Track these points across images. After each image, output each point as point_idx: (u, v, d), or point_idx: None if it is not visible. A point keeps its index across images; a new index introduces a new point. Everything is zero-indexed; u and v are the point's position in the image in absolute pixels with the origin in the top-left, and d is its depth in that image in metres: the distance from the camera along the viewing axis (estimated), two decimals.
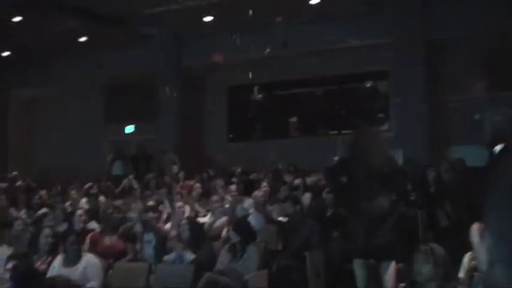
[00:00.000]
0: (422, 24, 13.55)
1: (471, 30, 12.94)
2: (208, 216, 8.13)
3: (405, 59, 13.57)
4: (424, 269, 3.56)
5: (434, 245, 3.62)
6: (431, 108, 13.41)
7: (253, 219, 7.14)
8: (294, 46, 14.40)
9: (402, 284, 6.35)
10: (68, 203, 10.79)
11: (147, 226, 6.93)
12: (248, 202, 8.14)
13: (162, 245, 6.76)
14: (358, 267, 6.39)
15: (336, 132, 15.06)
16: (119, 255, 6.90)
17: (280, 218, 7.49)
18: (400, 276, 6.39)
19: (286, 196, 7.82)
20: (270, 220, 7.63)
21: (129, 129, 17.31)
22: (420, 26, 13.55)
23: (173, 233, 7.20)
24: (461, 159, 11.84)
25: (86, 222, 8.11)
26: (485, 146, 12.46)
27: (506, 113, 13.13)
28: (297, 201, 7.54)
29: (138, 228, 7.17)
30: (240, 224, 6.71)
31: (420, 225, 9.04)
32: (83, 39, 15.40)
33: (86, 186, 12.58)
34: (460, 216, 10.11)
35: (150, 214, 7.15)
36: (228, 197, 8.83)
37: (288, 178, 12.06)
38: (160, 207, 8.57)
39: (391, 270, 6.11)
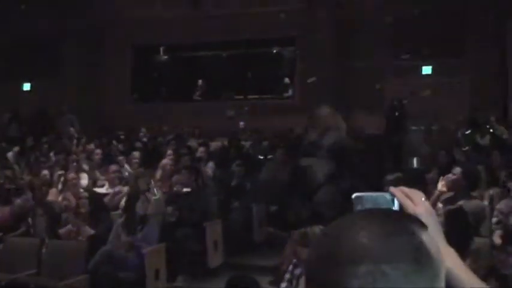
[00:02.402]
0: None
1: None
2: (106, 186, 7.93)
3: (312, 25, 13.73)
4: (302, 252, 3.69)
5: (316, 228, 3.74)
6: (334, 74, 13.72)
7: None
8: (205, 7, 14.13)
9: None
10: None
11: (39, 203, 6.66)
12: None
13: (56, 219, 6.53)
14: None
15: (241, 97, 15.09)
16: (10, 229, 6.59)
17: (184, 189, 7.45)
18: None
19: (186, 166, 7.77)
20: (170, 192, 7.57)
21: (26, 87, 16.38)
22: None
23: (66, 204, 6.97)
24: (360, 127, 12.33)
25: None
26: (383, 115, 13.04)
27: (407, 82, 13.68)
28: (198, 172, 7.53)
29: (30, 202, 6.86)
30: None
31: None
32: None
33: None
34: (355, 184, 10.59)
35: (43, 188, 6.86)
36: (127, 167, 8.64)
37: (192, 142, 12.01)
38: (55, 176, 8.23)
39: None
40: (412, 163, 11.89)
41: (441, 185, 5.29)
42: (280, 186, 7.77)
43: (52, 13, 14.86)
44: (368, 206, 1.25)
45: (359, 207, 1.25)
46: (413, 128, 12.91)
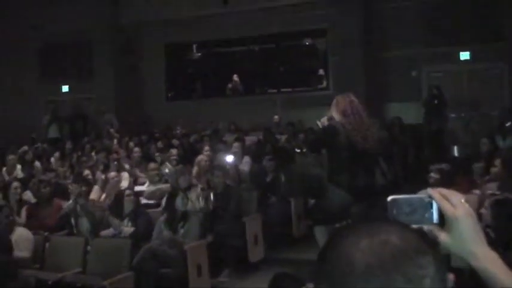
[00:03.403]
0: None
1: None
2: (147, 184, 8.02)
3: (342, 16, 13.58)
4: None
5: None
6: (368, 65, 13.55)
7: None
8: (234, 3, 14.12)
9: None
10: (4, 170, 10.41)
11: (83, 209, 6.78)
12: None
13: (99, 220, 6.65)
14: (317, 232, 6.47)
15: (275, 91, 15.06)
16: (55, 229, 6.75)
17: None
18: None
19: (219, 166, 7.79)
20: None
21: (65, 88, 16.69)
22: None
23: (107, 202, 7.09)
24: (398, 117, 12.14)
25: (20, 193, 7.83)
26: (422, 103, 12.82)
27: (443, 69, 13.41)
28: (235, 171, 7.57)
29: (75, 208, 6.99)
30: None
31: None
32: None
33: (21, 150, 12.14)
34: (397, 175, 10.45)
35: (83, 188, 6.99)
36: (167, 164, 8.73)
37: (228, 138, 12.05)
38: (97, 176, 8.38)
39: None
40: (453, 152, 11.67)
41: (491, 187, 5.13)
42: (317, 180, 7.70)
43: (85, 16, 15.08)
44: (405, 209, 1.21)
45: (394, 212, 1.22)
46: (453, 115, 12.67)
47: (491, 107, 12.15)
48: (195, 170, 8.04)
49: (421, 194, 1.21)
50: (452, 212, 1.17)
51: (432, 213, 1.19)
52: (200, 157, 8.32)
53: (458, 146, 11.45)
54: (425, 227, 1.25)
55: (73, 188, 7.06)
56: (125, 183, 8.10)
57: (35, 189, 7.75)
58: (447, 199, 1.18)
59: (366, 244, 0.94)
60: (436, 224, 1.19)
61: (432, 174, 6.01)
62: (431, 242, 1.02)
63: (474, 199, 5.68)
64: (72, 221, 6.88)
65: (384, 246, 0.93)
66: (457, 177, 6.34)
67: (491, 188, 5.81)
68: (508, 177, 5.74)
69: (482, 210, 4.36)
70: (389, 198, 1.21)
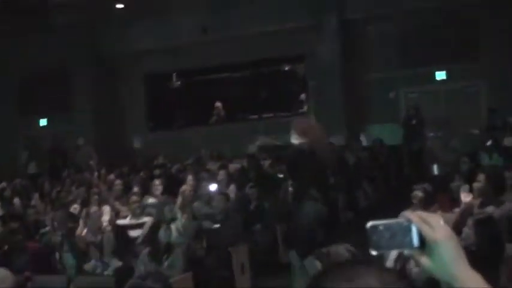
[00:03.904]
0: (337, 5, 13.75)
1: (384, 8, 13.26)
2: (129, 217, 7.91)
3: (320, 41, 13.75)
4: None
5: (340, 248, 3.67)
6: (347, 88, 13.69)
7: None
8: (213, 31, 14.23)
9: None
10: None
11: (66, 239, 6.67)
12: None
13: (83, 253, 6.54)
14: (292, 258, 6.46)
15: (256, 116, 15.10)
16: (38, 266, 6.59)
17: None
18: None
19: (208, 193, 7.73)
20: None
21: (43, 122, 16.55)
22: (335, 7, 13.75)
23: (90, 238, 6.97)
24: (379, 139, 12.25)
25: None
26: (400, 124, 12.94)
27: (420, 89, 13.59)
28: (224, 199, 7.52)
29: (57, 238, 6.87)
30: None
31: (340, 208, 9.31)
32: None
33: None
34: (380, 196, 10.51)
35: (69, 225, 6.87)
36: (149, 197, 8.63)
37: (211, 165, 11.99)
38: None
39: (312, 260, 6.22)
40: (433, 170, 11.76)
41: (464, 196, 5.19)
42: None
43: (63, 48, 15.04)
44: (384, 235, 1.20)
45: (374, 238, 1.20)
46: (432, 134, 12.80)
47: (469, 125, 12.32)
48: (179, 200, 7.93)
49: (400, 219, 1.21)
50: (432, 235, 1.16)
51: (412, 237, 1.18)
52: (184, 187, 8.20)
53: (437, 164, 11.55)
54: (406, 252, 1.24)
55: (60, 224, 6.91)
56: (106, 217, 7.97)
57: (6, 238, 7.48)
58: (426, 222, 1.17)
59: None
60: (416, 247, 1.19)
61: (416, 193, 6.03)
62: (409, 284, 1.02)
63: (454, 217, 5.70)
64: (57, 256, 6.75)
65: None
66: (438, 196, 6.38)
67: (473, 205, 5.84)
68: (492, 193, 5.76)
69: (465, 229, 4.38)
70: (368, 224, 1.21)
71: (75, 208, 8.39)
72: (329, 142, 6.13)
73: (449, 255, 1.15)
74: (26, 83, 16.19)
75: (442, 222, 1.19)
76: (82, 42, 15.29)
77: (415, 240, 1.18)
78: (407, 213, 1.21)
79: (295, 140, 5.83)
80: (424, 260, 1.18)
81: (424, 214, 1.20)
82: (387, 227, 1.19)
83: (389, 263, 3.95)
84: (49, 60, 15.18)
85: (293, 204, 6.25)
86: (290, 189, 6.31)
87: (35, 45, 15.12)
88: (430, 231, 1.16)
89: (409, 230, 1.18)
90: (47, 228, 7.78)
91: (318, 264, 6.27)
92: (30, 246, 7.15)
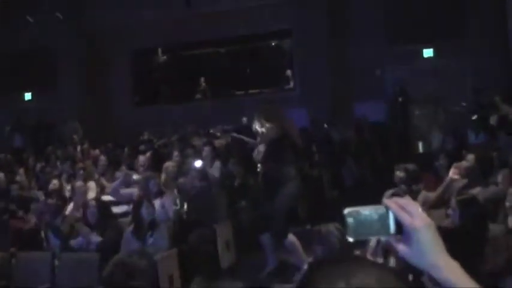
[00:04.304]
0: None
1: None
2: (111, 186, 7.87)
3: (307, 17, 13.64)
4: (318, 250, 3.64)
5: (331, 226, 3.68)
6: (334, 65, 13.64)
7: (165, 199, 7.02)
8: (198, 6, 14.05)
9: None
10: None
11: (52, 213, 6.64)
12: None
13: (69, 230, 6.51)
14: (264, 239, 6.53)
15: (242, 92, 15.04)
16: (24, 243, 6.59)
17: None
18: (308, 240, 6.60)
19: (193, 169, 7.69)
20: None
21: (28, 96, 16.34)
22: None
23: (76, 214, 6.95)
24: (365, 117, 12.26)
25: None
26: (386, 101, 12.97)
27: (407, 66, 13.57)
28: (204, 175, 7.49)
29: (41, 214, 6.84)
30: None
31: (325, 185, 9.36)
32: None
33: None
34: (364, 174, 10.56)
35: (53, 201, 6.83)
36: (134, 174, 8.59)
37: (196, 141, 11.97)
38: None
39: (290, 238, 6.28)
40: (418, 148, 11.85)
41: (453, 173, 5.21)
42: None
43: (49, 22, 14.81)
44: (361, 221, 1.19)
45: (352, 224, 1.20)
46: (418, 112, 12.85)
47: (456, 103, 12.36)
48: (163, 176, 7.92)
49: (377, 205, 1.20)
50: (411, 222, 1.15)
51: (389, 224, 1.18)
52: (167, 163, 8.19)
53: (423, 142, 11.63)
54: (383, 238, 1.24)
55: (48, 204, 6.87)
56: (91, 194, 7.94)
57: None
58: (404, 209, 1.17)
59: (341, 285, 0.92)
60: (393, 234, 1.19)
61: (397, 173, 6.06)
62: (408, 283, 1.02)
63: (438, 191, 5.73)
64: (42, 234, 6.72)
65: None
66: (423, 175, 6.42)
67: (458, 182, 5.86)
68: (480, 174, 5.80)
69: (449, 211, 4.41)
70: (345, 210, 1.20)
71: (54, 184, 8.34)
72: (295, 126, 6.38)
73: (427, 242, 1.15)
74: (12, 58, 15.94)
75: (420, 209, 1.19)
76: (68, 17, 15.06)
77: (392, 227, 1.18)
78: (385, 200, 1.20)
79: (259, 127, 5.93)
80: (402, 248, 1.18)
81: (402, 201, 1.19)
82: (364, 214, 1.19)
83: (369, 251, 3.99)
84: (35, 35, 14.95)
85: (271, 186, 6.26)
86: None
87: (20, 20, 14.86)
88: (408, 219, 1.16)
89: (387, 217, 1.18)
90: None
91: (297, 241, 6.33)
92: (15, 224, 7.15)
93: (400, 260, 1.20)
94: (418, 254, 1.16)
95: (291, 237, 6.27)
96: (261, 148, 6.18)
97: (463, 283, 1.14)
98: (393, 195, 5.16)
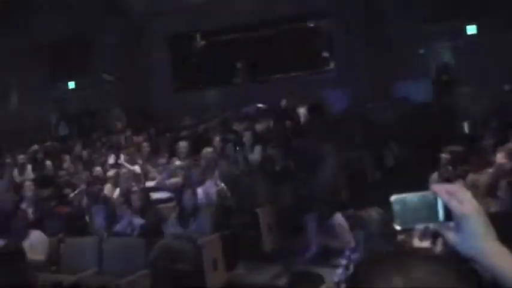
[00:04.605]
0: None
1: None
2: (158, 179, 8.01)
3: None
4: (359, 235, 3.61)
5: (372, 211, 3.63)
6: (373, 45, 13.38)
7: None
8: None
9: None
10: (15, 170, 10.47)
11: (95, 199, 6.81)
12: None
13: (112, 214, 6.67)
14: (308, 220, 6.53)
15: (281, 75, 14.96)
16: (71, 228, 6.78)
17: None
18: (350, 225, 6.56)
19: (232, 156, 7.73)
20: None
21: (71, 85, 16.68)
22: None
23: (120, 199, 7.10)
24: (407, 97, 12.03)
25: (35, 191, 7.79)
26: (430, 81, 12.68)
27: (450, 44, 13.22)
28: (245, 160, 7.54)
29: (85, 200, 7.03)
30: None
31: (367, 167, 9.26)
32: None
33: (31, 149, 12.18)
34: (407, 154, 10.38)
35: (97, 186, 6.99)
36: (176, 160, 8.69)
37: (237, 126, 12.01)
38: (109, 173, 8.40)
39: (338, 220, 6.26)
40: (464, 128, 11.55)
41: (500, 158, 5.07)
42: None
43: (88, 11, 15.03)
44: (409, 208, 1.15)
45: (399, 212, 1.16)
46: (462, 91, 12.52)
47: (501, 81, 11.99)
48: (202, 163, 8.00)
49: (425, 192, 1.17)
50: (460, 209, 1.12)
51: (438, 211, 1.14)
52: (205, 150, 8.24)
53: (468, 122, 11.33)
54: (432, 226, 1.21)
55: (90, 189, 7.05)
56: (135, 179, 8.09)
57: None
58: (453, 195, 1.13)
59: (399, 281, 0.90)
60: (442, 222, 1.15)
61: (443, 155, 5.95)
62: (464, 275, 0.99)
63: (487, 177, 5.60)
64: (87, 218, 6.91)
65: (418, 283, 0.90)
66: (471, 157, 6.27)
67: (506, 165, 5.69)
68: None
69: (500, 193, 4.28)
70: (392, 198, 1.17)
71: (97, 171, 8.51)
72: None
73: (477, 229, 1.12)
74: (54, 47, 16.28)
75: (469, 195, 1.15)
76: (107, 5, 15.25)
77: (441, 214, 1.15)
78: (433, 186, 1.17)
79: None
80: (451, 235, 1.15)
81: (451, 187, 1.15)
82: (412, 201, 1.15)
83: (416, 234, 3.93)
84: (75, 24, 15.20)
85: (313, 162, 6.24)
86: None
87: (61, 9, 15.13)
88: (458, 205, 1.12)
89: (435, 204, 1.14)
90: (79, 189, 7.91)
91: (345, 224, 6.29)
92: (62, 210, 7.36)
93: (448, 244, 1.17)
94: (468, 242, 1.12)
95: (338, 218, 6.24)
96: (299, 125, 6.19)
97: (510, 267, 1.10)
98: (442, 179, 5.08)
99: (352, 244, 3.88)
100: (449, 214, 1.14)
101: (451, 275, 0.93)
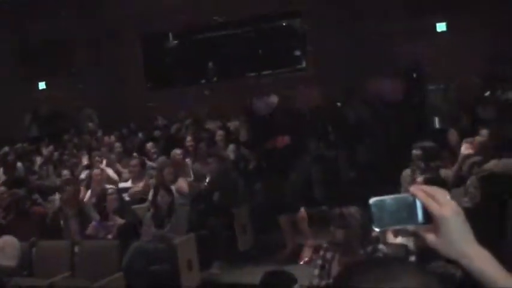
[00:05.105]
0: None
1: None
2: (130, 180, 7.94)
3: None
4: (338, 234, 3.61)
5: (352, 209, 3.65)
6: (345, 42, 13.48)
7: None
8: None
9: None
10: None
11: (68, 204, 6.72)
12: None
13: (85, 217, 6.59)
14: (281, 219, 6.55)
15: (254, 73, 14.96)
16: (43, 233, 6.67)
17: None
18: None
19: (209, 153, 7.70)
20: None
21: (42, 85, 16.44)
22: None
23: (92, 201, 7.03)
24: (379, 94, 12.13)
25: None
26: (401, 77, 12.80)
27: (420, 42, 13.37)
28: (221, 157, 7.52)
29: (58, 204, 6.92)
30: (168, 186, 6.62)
31: (341, 166, 9.33)
32: None
33: (1, 152, 11.97)
34: (380, 152, 10.49)
35: (68, 188, 6.89)
36: (147, 161, 8.63)
37: (210, 125, 11.99)
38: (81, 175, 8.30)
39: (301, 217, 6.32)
40: (434, 124, 11.73)
41: (464, 148, 5.16)
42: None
43: (60, 11, 14.84)
44: (388, 210, 1.16)
45: (377, 214, 1.16)
46: (432, 87, 12.69)
47: (470, 77, 12.19)
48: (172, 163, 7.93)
49: (404, 194, 1.18)
50: (439, 211, 1.12)
51: (417, 212, 1.15)
52: (173, 152, 8.19)
53: (439, 117, 11.50)
54: (410, 227, 1.21)
55: (65, 193, 6.91)
56: (111, 178, 8.00)
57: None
58: (432, 197, 1.13)
59: None
60: (421, 223, 1.15)
61: (414, 151, 6.03)
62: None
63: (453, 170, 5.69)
64: (62, 223, 6.80)
65: None
66: (442, 152, 6.36)
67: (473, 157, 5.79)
68: (493, 150, 5.72)
69: (470, 189, 4.35)
70: (371, 200, 1.16)
71: (64, 175, 8.38)
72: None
73: (457, 232, 1.12)
74: (25, 47, 16.04)
75: (448, 197, 1.16)
76: (79, 5, 15.08)
77: (420, 216, 1.15)
78: (412, 188, 1.17)
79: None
80: (431, 237, 1.15)
81: (429, 188, 1.16)
82: (391, 203, 1.16)
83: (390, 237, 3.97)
84: (47, 24, 14.99)
85: (287, 162, 6.29)
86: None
87: (33, 9, 14.90)
88: (437, 207, 1.12)
89: (414, 206, 1.15)
90: (55, 197, 7.76)
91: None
92: (36, 212, 7.23)
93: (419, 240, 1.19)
94: (448, 244, 1.13)
95: (302, 212, 6.33)
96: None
97: (495, 272, 1.11)
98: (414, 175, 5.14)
99: (327, 243, 3.89)
100: (428, 216, 1.15)
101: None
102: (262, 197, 7.38)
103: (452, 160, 6.33)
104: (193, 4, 14.26)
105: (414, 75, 12.50)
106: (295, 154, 6.30)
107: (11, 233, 5.78)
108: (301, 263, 6.25)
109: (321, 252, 3.85)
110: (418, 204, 1.15)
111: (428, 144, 6.02)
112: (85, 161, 9.68)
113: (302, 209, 6.47)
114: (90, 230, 6.40)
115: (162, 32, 15.64)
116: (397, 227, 1.29)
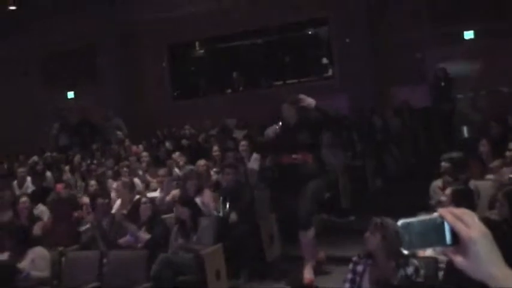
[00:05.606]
0: None
1: None
2: (158, 190, 7.99)
3: (343, 3, 13.45)
4: (372, 241, 3.58)
5: (389, 220, 3.62)
6: (373, 50, 13.41)
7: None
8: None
9: None
10: (15, 183, 10.41)
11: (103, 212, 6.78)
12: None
13: (116, 228, 6.64)
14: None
15: (280, 82, 14.97)
16: (71, 242, 6.75)
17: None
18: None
19: (230, 164, 7.65)
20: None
21: (70, 95, 16.70)
22: None
23: (123, 212, 7.08)
24: (406, 101, 12.05)
25: (30, 208, 7.71)
26: (429, 85, 12.68)
27: (448, 49, 13.23)
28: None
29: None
30: (187, 200, 6.63)
31: (369, 175, 9.25)
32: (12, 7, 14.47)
33: (30, 161, 12.16)
34: (408, 161, 10.39)
35: (99, 200, 6.95)
36: (176, 169, 8.67)
37: (237, 134, 11.99)
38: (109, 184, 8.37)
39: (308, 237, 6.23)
40: (463, 133, 11.57)
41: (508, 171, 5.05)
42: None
43: (86, 21, 15.08)
44: (417, 232, 1.17)
45: (406, 236, 1.17)
46: (460, 96, 12.54)
47: (499, 85, 12.01)
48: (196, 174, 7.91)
49: (432, 215, 1.18)
50: (467, 232, 1.13)
51: (445, 234, 1.16)
52: (198, 163, 8.18)
53: (467, 126, 11.35)
54: (439, 249, 1.21)
55: (100, 204, 6.98)
56: (137, 189, 8.05)
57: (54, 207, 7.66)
58: (460, 219, 1.14)
59: None
60: (449, 245, 1.16)
61: (443, 164, 5.96)
62: None
63: (488, 185, 5.61)
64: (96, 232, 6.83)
65: None
66: (469, 161, 6.27)
67: (507, 172, 5.70)
68: None
69: (497, 205, 4.28)
70: (400, 222, 1.18)
71: (92, 185, 8.43)
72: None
73: (485, 253, 1.13)
74: (52, 57, 16.32)
75: (476, 219, 1.16)
76: (104, 14, 15.29)
77: (448, 238, 1.16)
78: (440, 210, 1.18)
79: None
80: (459, 259, 1.16)
81: (457, 210, 1.17)
82: (419, 225, 1.17)
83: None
84: (74, 34, 15.25)
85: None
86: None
87: (59, 19, 15.16)
88: (465, 229, 1.14)
89: (442, 227, 1.16)
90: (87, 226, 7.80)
91: None
92: (74, 218, 7.33)
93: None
94: (476, 265, 1.13)
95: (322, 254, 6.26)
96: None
97: None
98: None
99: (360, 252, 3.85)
100: (456, 237, 1.15)
101: None
102: (289, 207, 7.34)
103: (481, 170, 6.23)
104: (220, 13, 14.35)
105: (442, 83, 12.35)
106: (313, 172, 6.20)
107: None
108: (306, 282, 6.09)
109: (350, 266, 3.81)
110: (447, 226, 1.16)
111: (456, 155, 5.93)
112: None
113: (322, 253, 6.39)
114: (123, 241, 6.45)
115: (189, 41, 15.76)
116: (426, 249, 1.29)
